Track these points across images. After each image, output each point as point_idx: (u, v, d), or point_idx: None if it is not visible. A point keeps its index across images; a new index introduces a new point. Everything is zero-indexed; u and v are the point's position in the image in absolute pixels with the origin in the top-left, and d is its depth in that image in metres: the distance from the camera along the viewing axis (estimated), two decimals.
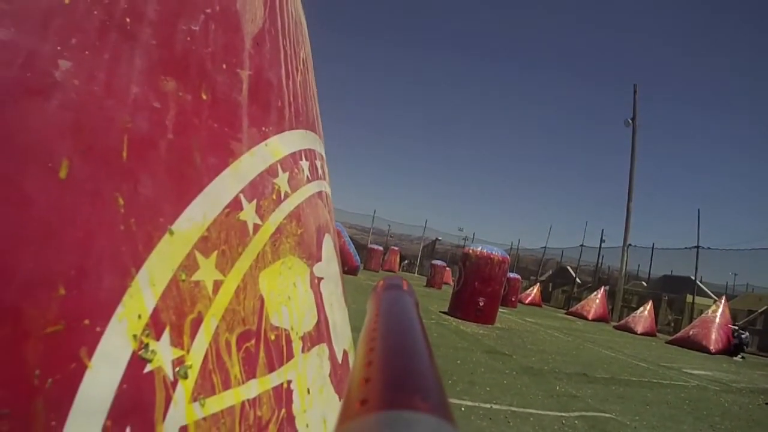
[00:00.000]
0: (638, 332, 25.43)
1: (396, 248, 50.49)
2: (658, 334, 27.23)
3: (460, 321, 13.97)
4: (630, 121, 37.95)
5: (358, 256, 26.18)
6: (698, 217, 32.97)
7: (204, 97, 1.02)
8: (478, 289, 14.73)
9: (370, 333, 0.45)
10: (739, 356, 20.68)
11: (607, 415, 6.15)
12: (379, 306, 0.54)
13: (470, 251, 15.70)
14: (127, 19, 0.95)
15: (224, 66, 1.08)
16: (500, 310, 16.73)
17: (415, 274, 58.05)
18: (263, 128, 1.14)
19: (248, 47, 1.15)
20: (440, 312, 15.16)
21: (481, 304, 14.55)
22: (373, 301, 0.57)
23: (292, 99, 1.28)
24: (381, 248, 41.74)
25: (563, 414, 5.79)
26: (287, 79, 1.27)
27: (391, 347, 0.41)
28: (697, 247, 32.56)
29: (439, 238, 73.83)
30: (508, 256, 16.08)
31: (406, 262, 64.50)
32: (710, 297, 35.98)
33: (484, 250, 15.42)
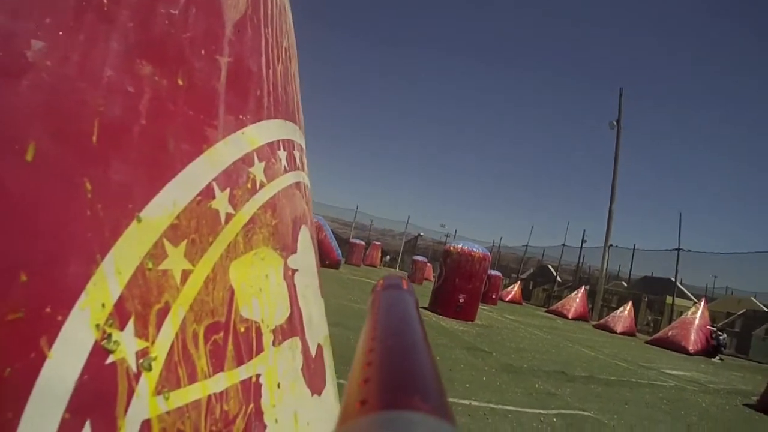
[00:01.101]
0: (618, 332, 25.61)
1: (378, 243, 50.65)
2: (637, 334, 27.46)
3: (440, 317, 13.99)
4: (615, 124, 38.19)
5: (339, 251, 26.20)
6: (680, 220, 33.31)
7: (180, 82, 0.99)
8: (459, 286, 14.77)
9: (370, 333, 0.45)
10: (717, 357, 20.88)
11: (585, 413, 6.17)
12: (378, 306, 0.53)
13: (451, 248, 15.74)
14: (105, 0, 0.92)
15: (203, 52, 1.05)
16: (480, 307, 16.78)
17: (397, 270, 58.08)
18: (240, 116, 1.12)
19: (229, 34, 1.12)
20: (420, 308, 15.10)
21: (462, 300, 14.58)
22: (373, 301, 0.57)
23: (271, 88, 1.25)
24: (363, 243, 41.75)
25: (542, 411, 5.81)
26: (267, 68, 1.24)
27: (391, 348, 0.41)
28: (678, 249, 32.82)
29: (421, 234, 73.95)
30: (489, 254, 16.13)
31: (387, 257, 64.49)
32: (690, 299, 36.35)
33: (466, 247, 15.46)
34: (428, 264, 40.04)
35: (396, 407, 0.29)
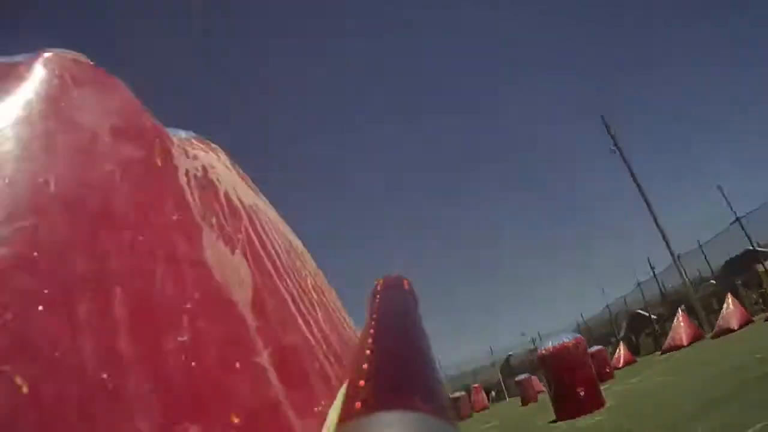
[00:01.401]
0: (736, 328, 24.53)
1: (477, 385, 49.44)
2: (753, 318, 26.31)
3: (572, 421, 13.38)
4: (614, 148, 38.39)
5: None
6: (722, 193, 32.96)
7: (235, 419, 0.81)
8: (571, 382, 14.24)
9: (370, 333, 0.44)
10: None
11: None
12: (378, 306, 0.52)
13: (544, 352, 15.32)
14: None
15: (238, 364, 0.88)
16: (602, 387, 16.09)
17: (508, 400, 55.90)
18: (315, 409, 0.93)
19: (250, 321, 0.95)
20: (549, 423, 14.50)
21: (582, 393, 14.04)
22: (372, 301, 0.54)
23: (326, 348, 1.05)
24: (464, 392, 40.66)
25: None
26: (309, 328, 1.05)
27: (391, 348, 0.41)
28: (737, 219, 32.23)
29: (510, 353, 72.26)
30: (579, 335, 15.72)
31: (493, 393, 62.50)
32: None
33: (556, 343, 15.06)
34: (532, 377, 38.76)
35: (396, 407, 0.29)
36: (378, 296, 0.55)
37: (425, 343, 0.43)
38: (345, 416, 0.31)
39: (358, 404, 0.31)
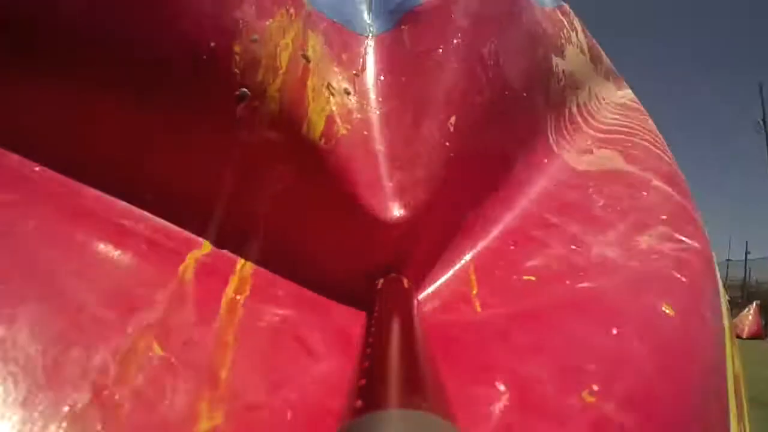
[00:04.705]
0: None
1: None
2: None
3: None
4: (761, 123, 36.14)
5: None
6: None
7: None
8: None
9: (369, 332, 0.44)
10: None
11: None
12: (378, 304, 0.51)
13: None
14: None
15: None
16: None
17: None
18: None
19: None
20: None
21: None
22: (371, 299, 0.54)
23: None
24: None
25: None
26: None
27: (390, 347, 0.39)
28: None
29: None
30: None
31: None
32: None
33: None
34: None
35: (396, 406, 0.28)
36: (377, 294, 0.55)
37: (425, 342, 0.42)
38: (345, 416, 0.30)
39: (357, 404, 0.30)
